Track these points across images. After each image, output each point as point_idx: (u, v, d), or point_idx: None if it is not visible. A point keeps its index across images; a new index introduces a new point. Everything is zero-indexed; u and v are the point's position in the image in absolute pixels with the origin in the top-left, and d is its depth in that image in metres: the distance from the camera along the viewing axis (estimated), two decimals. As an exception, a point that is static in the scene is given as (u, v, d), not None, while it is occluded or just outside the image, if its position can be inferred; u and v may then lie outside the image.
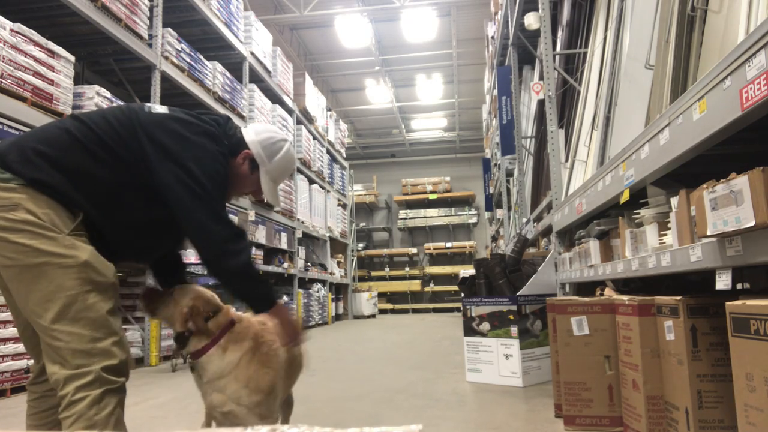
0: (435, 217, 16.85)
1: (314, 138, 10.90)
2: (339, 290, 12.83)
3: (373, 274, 16.58)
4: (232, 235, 1.50)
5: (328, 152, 12.07)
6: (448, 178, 16.92)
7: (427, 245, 16.56)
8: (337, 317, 12.32)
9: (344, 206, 13.56)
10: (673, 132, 1.61)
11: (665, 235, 1.82)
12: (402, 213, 17.11)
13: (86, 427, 1.30)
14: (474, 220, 16.63)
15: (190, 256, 5.43)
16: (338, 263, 12.65)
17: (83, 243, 1.43)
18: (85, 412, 1.31)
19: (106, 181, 1.47)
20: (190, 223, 1.49)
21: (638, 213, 2.04)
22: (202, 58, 6.56)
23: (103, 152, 1.48)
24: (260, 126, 1.82)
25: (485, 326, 3.87)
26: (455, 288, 14.47)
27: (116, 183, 1.48)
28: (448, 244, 16.36)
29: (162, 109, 1.61)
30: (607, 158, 2.87)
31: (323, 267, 11.43)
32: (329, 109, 12.28)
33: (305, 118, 10.34)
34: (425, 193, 16.84)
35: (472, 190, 16.63)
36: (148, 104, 1.65)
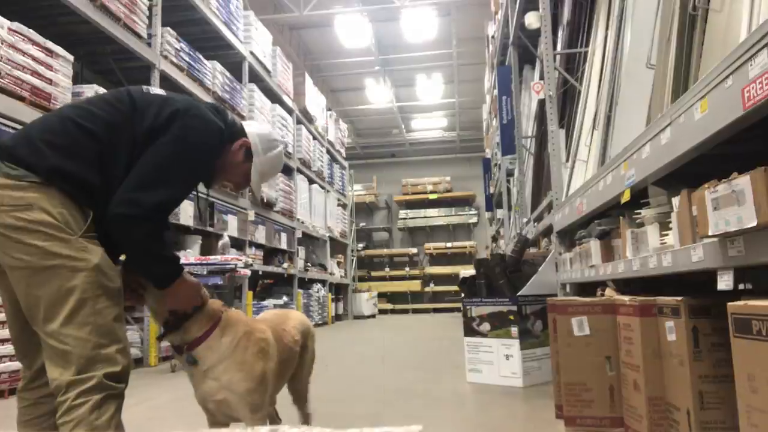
0: (435, 217, 16.83)
1: (314, 138, 10.88)
2: (339, 290, 12.81)
3: (373, 274, 16.55)
4: (156, 214, 1.44)
5: (328, 152, 12.05)
6: (448, 178, 16.91)
7: (427, 245, 16.54)
8: (337, 317, 12.30)
9: (344, 206, 13.53)
10: (674, 131, 1.60)
11: (666, 235, 1.82)
12: (402, 213, 17.10)
13: (87, 431, 1.29)
14: (474, 220, 16.62)
15: (189, 256, 5.43)
16: (338, 263, 12.64)
17: (95, 245, 1.41)
18: (86, 417, 1.30)
19: (118, 161, 1.46)
20: (136, 178, 1.43)
21: (639, 213, 2.04)
22: (201, 57, 6.55)
23: (109, 134, 1.47)
24: (260, 123, 1.85)
25: (485, 326, 3.86)
26: (455, 288, 14.44)
27: (128, 162, 1.47)
28: (449, 245, 16.34)
29: (160, 91, 1.64)
30: (608, 158, 2.86)
31: (323, 267, 11.41)
32: (329, 109, 12.25)
33: (305, 117, 10.32)
34: (425, 193, 16.83)
35: (472, 190, 16.61)
36: (145, 86, 1.66)
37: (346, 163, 13.84)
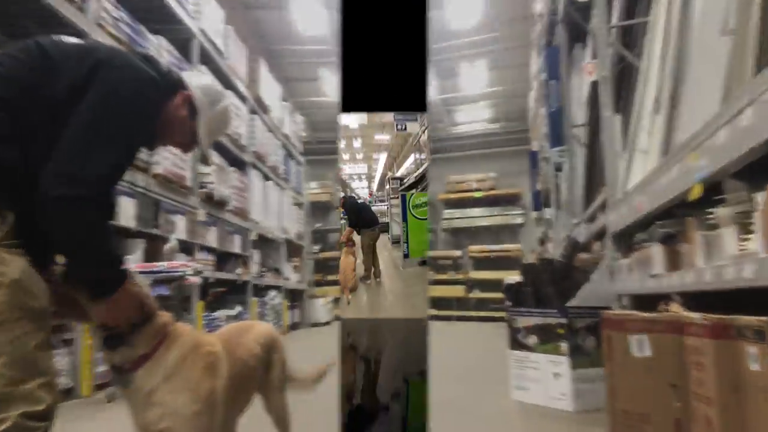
0: (479, 217, 16.57)
1: (269, 130, 10.37)
2: (295, 296, 12.17)
3: (329, 278, 16.10)
4: (102, 187, 1.27)
5: (284, 146, 11.56)
6: (492, 174, 16.62)
7: (471, 248, 16.31)
8: (293, 326, 11.45)
9: (300, 205, 13.02)
10: (758, 111, 1.46)
11: (748, 239, 1.65)
12: (446, 213, 16.93)
13: None
14: (520, 220, 16.27)
15: (131, 263, 5.11)
16: (294, 267, 12.20)
17: (14, 256, 1.25)
18: None
19: (35, 129, 1.29)
20: (67, 147, 1.26)
21: (712, 212, 1.89)
22: (144, 30, 5.98)
23: (16, 93, 1.31)
24: (199, 73, 1.71)
25: (532, 339, 3.75)
26: (500, 295, 14.16)
27: (50, 131, 1.29)
28: (494, 247, 16.05)
29: (76, 40, 1.49)
30: (674, 147, 2.70)
31: (278, 272, 10.96)
32: (285, 100, 11.82)
33: (259, 107, 9.87)
34: (470, 191, 16.62)
35: (517, 187, 16.26)
36: (56, 35, 1.49)
37: (302, 159, 13.33)
